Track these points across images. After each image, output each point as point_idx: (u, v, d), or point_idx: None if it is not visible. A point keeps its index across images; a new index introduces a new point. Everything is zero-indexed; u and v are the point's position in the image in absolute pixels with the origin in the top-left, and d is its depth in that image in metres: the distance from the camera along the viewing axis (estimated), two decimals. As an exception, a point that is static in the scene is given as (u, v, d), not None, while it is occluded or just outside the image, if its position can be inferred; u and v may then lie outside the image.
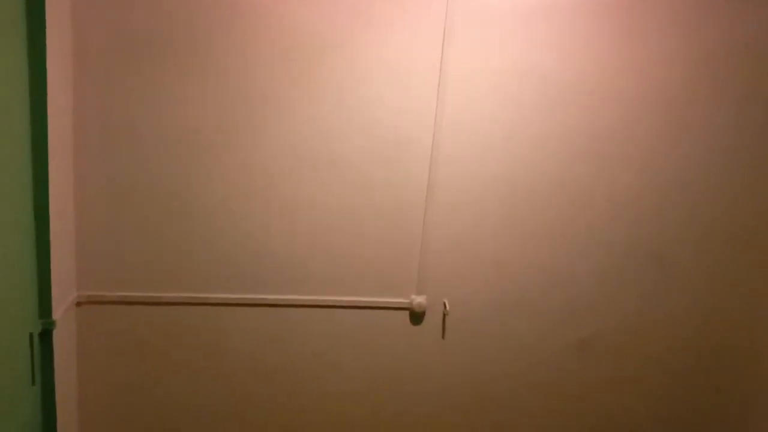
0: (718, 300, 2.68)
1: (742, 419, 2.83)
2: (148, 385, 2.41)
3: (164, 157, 2.22)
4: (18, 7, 1.68)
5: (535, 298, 2.58)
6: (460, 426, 2.69)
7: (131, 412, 2.42)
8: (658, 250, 2.59)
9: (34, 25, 1.75)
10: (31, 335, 1.85)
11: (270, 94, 2.24)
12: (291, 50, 2.21)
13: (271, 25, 2.18)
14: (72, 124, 2.13)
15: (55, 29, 1.86)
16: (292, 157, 2.30)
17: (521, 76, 2.36)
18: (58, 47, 1.93)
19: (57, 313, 1.98)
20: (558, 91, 2.38)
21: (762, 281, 2.69)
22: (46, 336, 1.95)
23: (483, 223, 2.47)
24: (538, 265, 2.54)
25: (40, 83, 1.79)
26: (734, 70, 2.46)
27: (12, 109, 1.67)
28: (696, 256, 2.62)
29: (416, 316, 2.54)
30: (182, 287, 2.34)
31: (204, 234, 2.30)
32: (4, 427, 1.67)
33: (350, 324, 2.49)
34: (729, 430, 2.84)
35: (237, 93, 2.22)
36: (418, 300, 2.49)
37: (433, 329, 2.56)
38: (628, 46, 2.38)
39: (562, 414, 2.74)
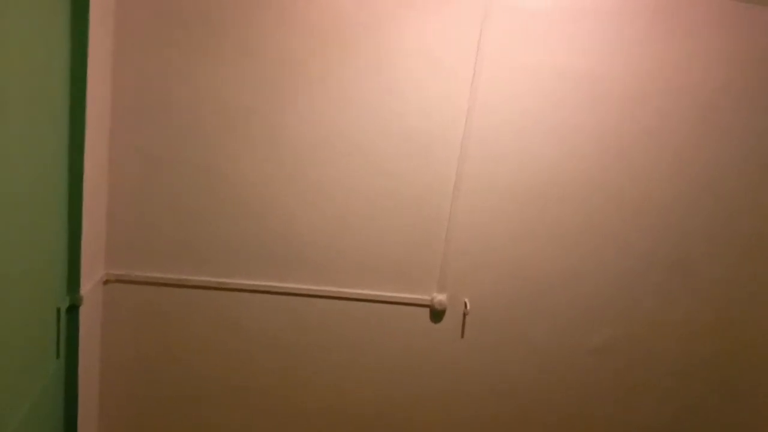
0: (741, 309, 2.66)
1: (758, 427, 2.80)
2: (168, 364, 2.45)
3: (196, 136, 2.24)
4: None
5: (557, 301, 2.56)
6: (475, 424, 2.68)
7: (151, 390, 2.46)
8: (682, 257, 2.56)
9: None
10: (58, 310, 1.89)
11: (303, 75, 2.24)
12: (327, 32, 2.22)
13: (308, 6, 2.19)
14: (110, 101, 2.16)
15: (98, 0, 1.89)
16: (321, 142, 2.31)
17: (556, 75, 2.33)
18: (101, 17, 1.95)
19: (84, 290, 2.02)
20: (592, 91, 2.36)
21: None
22: (72, 311, 2.00)
23: (508, 224, 2.46)
24: (561, 269, 2.52)
25: (81, 54, 1.82)
26: (765, 77, 2.42)
27: (52, 81, 1.70)
28: (720, 265, 2.59)
29: (436, 314, 2.53)
30: (208, 271, 2.37)
31: (233, 218, 2.33)
32: (27, 397, 1.71)
33: (370, 317, 2.50)
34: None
35: (271, 73, 2.22)
36: (439, 298, 2.49)
37: (453, 328, 2.56)
38: (663, 49, 2.35)
39: (578, 415, 2.72)
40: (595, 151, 2.42)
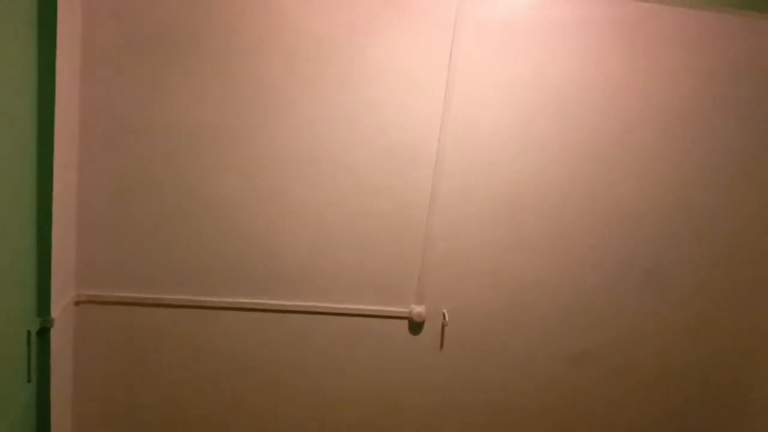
0: (715, 314, 2.69)
1: (738, 430, 2.85)
2: (144, 386, 2.40)
3: (168, 155, 2.22)
4: (30, 1, 1.69)
5: (535, 310, 2.57)
6: (456, 438, 2.68)
7: (126, 413, 2.41)
8: (657, 264, 2.59)
9: (45, 17, 1.76)
10: (28, 333, 1.85)
11: (274, 94, 2.23)
12: (298, 51, 2.21)
13: (279, 25, 2.18)
14: (78, 120, 2.13)
15: (65, 22, 1.87)
16: (294, 159, 2.29)
17: (527, 87, 2.36)
18: (68, 40, 1.93)
19: (55, 312, 1.98)
20: (563, 102, 2.39)
21: (763, 297, 2.70)
22: (43, 334, 1.95)
23: (485, 234, 2.47)
24: (538, 278, 2.54)
25: (48, 76, 1.80)
26: (733, 87, 2.47)
27: (19, 102, 1.67)
28: (694, 271, 2.63)
29: (415, 326, 2.53)
30: (182, 290, 2.34)
31: (206, 236, 2.30)
32: (-2, 424, 1.67)
33: (348, 332, 2.48)
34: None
35: (242, 93, 2.21)
36: (418, 310, 2.48)
37: (432, 339, 2.55)
38: (632, 60, 2.39)
39: (559, 424, 2.73)
40: (569, 163, 2.45)
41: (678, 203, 2.55)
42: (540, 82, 2.36)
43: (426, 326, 2.53)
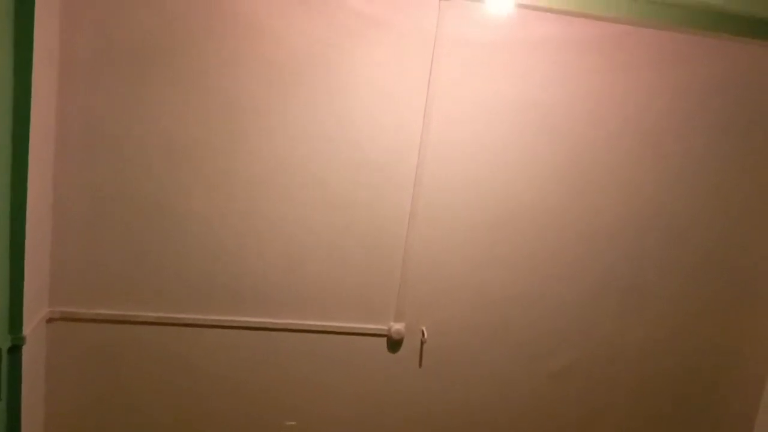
0: (693, 326, 2.73)
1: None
2: (117, 405, 2.36)
3: (145, 169, 2.20)
4: (7, 9, 1.68)
5: (514, 326, 2.58)
6: (435, 456, 2.66)
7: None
8: (635, 279, 2.63)
9: (22, 29, 1.75)
10: (-1, 350, 1.82)
11: (253, 108, 2.23)
12: (277, 65, 2.21)
13: (258, 39, 2.18)
14: (55, 132, 2.10)
15: (42, 34, 1.85)
16: (273, 175, 2.29)
17: (506, 105, 2.38)
18: (45, 51, 1.91)
19: (27, 329, 1.94)
20: (542, 120, 2.42)
21: (738, 309, 2.75)
22: (14, 352, 1.91)
23: (464, 251, 2.47)
24: (517, 294, 2.55)
25: (24, 88, 1.78)
26: (706, 104, 2.53)
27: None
28: (671, 284, 2.67)
29: (394, 344, 2.52)
30: (158, 306, 2.30)
31: (182, 252, 2.28)
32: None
33: (326, 350, 2.46)
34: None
35: (218, 105, 2.20)
36: (396, 327, 2.47)
37: (411, 357, 2.54)
38: (610, 80, 2.43)
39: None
40: (548, 178, 2.47)
41: (654, 217, 2.59)
42: (519, 100, 2.39)
43: (405, 344, 2.52)
